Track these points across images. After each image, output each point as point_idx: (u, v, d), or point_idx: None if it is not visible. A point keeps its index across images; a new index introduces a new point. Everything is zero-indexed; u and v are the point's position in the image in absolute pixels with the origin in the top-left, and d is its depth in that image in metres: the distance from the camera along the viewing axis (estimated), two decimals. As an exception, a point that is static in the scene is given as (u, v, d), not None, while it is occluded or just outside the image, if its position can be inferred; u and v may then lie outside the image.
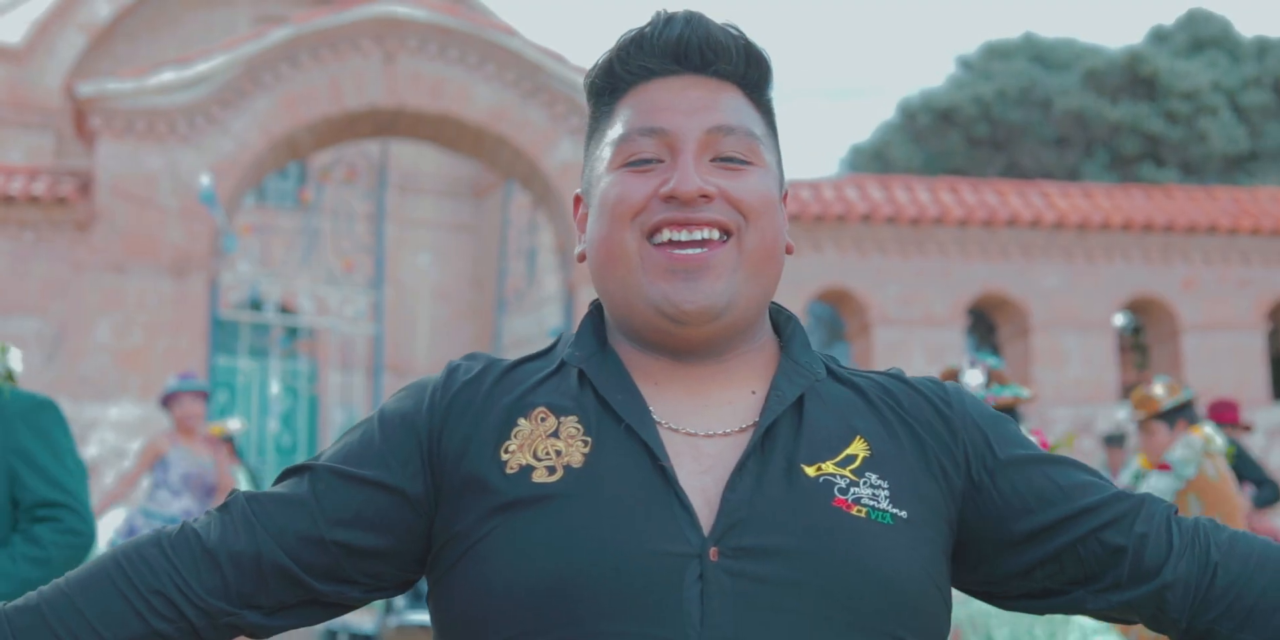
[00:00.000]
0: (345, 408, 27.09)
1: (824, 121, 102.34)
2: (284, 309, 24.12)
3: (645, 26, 2.11)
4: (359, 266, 24.15)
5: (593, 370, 2.07)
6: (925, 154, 34.19)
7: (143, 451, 12.27)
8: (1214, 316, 21.93)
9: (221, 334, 21.15)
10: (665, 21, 2.09)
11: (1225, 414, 12.76)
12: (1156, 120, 32.14)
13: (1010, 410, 6.68)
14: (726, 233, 2.04)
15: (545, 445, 1.99)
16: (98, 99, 19.51)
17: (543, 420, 2.02)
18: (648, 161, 2.05)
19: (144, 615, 1.96)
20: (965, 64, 36.18)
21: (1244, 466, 11.50)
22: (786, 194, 2.18)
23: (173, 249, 19.34)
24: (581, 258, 2.14)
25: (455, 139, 21.51)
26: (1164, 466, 8.60)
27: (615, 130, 2.10)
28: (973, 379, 6.69)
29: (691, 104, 2.07)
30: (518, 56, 20.42)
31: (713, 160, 2.05)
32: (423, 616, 14.25)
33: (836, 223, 21.06)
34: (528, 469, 1.98)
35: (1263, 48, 34.26)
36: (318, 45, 20.24)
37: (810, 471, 1.99)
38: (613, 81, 2.13)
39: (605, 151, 2.10)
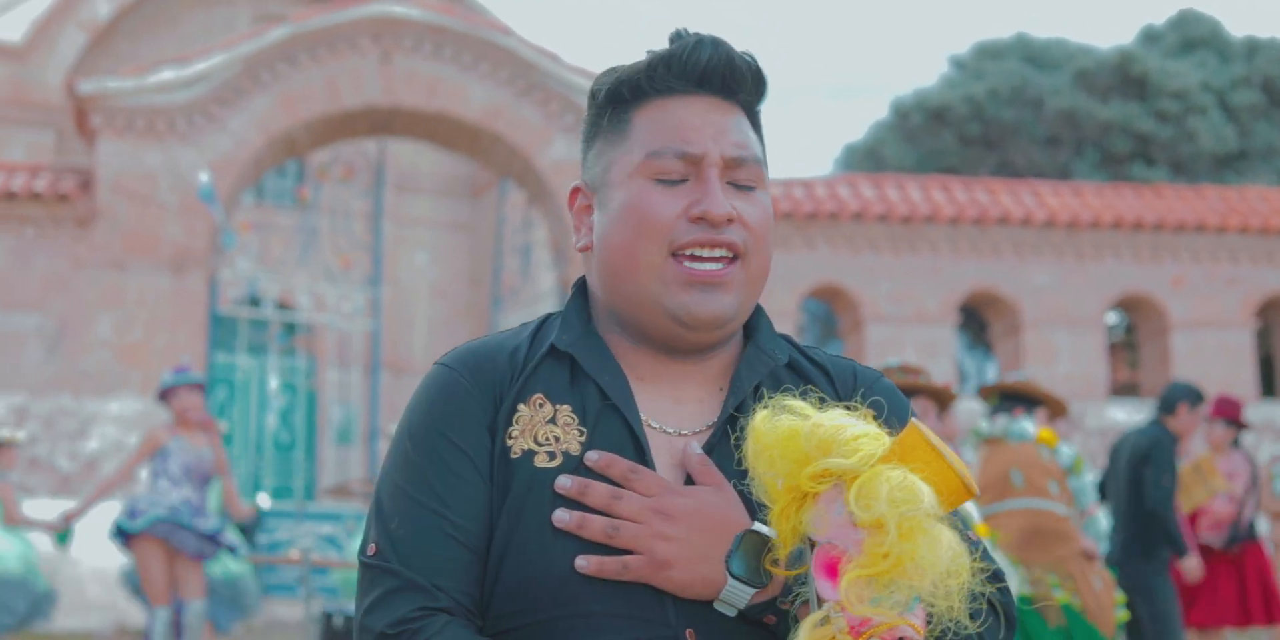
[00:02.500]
0: (343, 404, 27.19)
1: (818, 120, 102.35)
2: (282, 306, 24.23)
3: (675, 47, 2.26)
4: (357, 264, 24.26)
5: (581, 353, 2.25)
6: (918, 153, 34.30)
7: (142, 442, 12.40)
8: (1203, 314, 22.07)
9: (220, 330, 21.29)
10: (694, 45, 2.25)
11: (1227, 410, 12.80)
12: (1147, 119, 32.27)
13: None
14: (736, 254, 2.23)
15: (545, 431, 2.17)
16: (98, 97, 19.64)
17: (540, 406, 2.20)
18: (674, 181, 2.22)
19: None
20: (958, 63, 36.29)
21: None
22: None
23: (172, 246, 19.47)
24: (585, 249, 2.31)
25: (451, 137, 21.64)
26: None
27: (640, 142, 2.25)
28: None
29: (714, 129, 2.23)
30: (512, 55, 20.55)
31: (728, 184, 2.23)
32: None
33: (829, 221, 21.21)
34: (530, 453, 2.15)
35: (1252, 48, 34.40)
36: (315, 44, 20.37)
37: None
38: (635, 92, 2.27)
39: (630, 158, 2.25)
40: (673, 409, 2.25)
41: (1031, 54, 35.30)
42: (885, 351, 20.94)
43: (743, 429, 2.10)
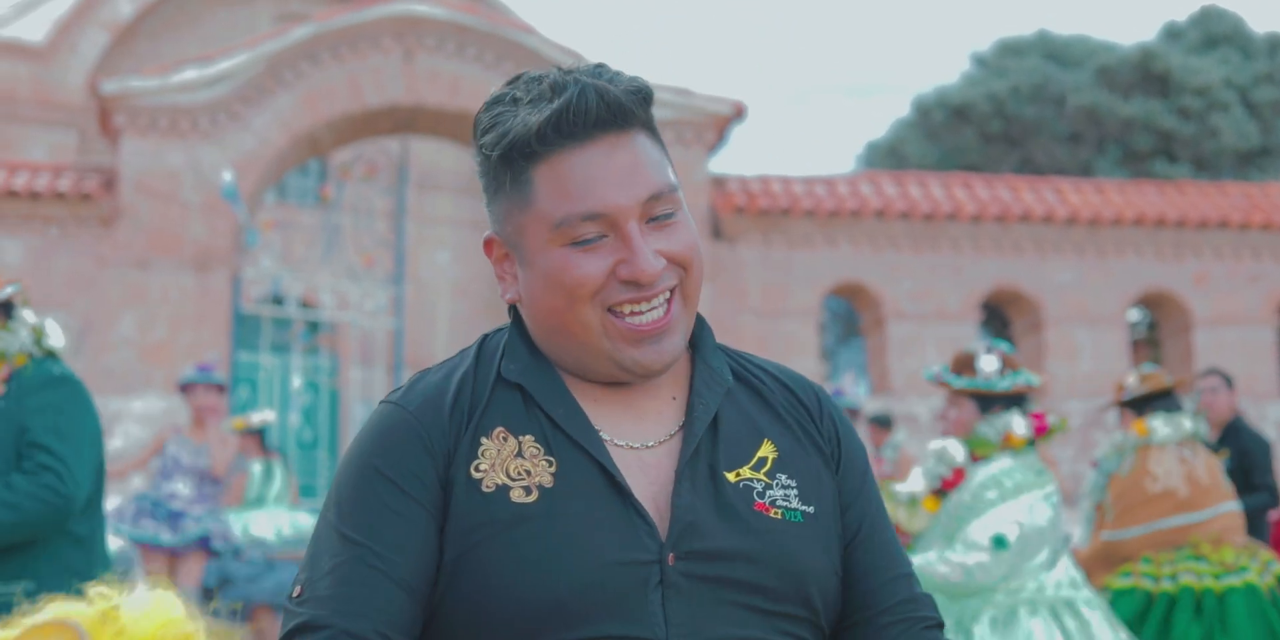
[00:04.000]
0: (366, 402, 27.21)
1: (840, 119, 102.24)
2: (305, 304, 24.27)
3: (558, 106, 2.14)
4: (379, 262, 24.25)
5: (531, 385, 2.23)
6: (940, 150, 34.28)
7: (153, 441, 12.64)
8: (1225, 311, 22.04)
9: (243, 329, 21.32)
10: (578, 96, 2.14)
11: None
12: (1169, 116, 32.23)
13: (1021, 397, 6.81)
14: (672, 290, 2.20)
15: (515, 466, 2.16)
16: (122, 97, 19.70)
17: (504, 440, 2.18)
18: (591, 241, 2.15)
19: None
20: (980, 61, 36.26)
21: (1251, 468, 11.29)
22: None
23: (195, 244, 19.53)
24: (513, 301, 2.27)
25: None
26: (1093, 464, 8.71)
27: (547, 208, 2.16)
28: (988, 365, 6.81)
29: (619, 175, 2.15)
30: (535, 54, 20.55)
31: (648, 221, 2.17)
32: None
33: (851, 218, 21.21)
34: (504, 488, 2.14)
35: (1274, 44, 34.34)
36: (338, 43, 20.42)
37: (731, 478, 2.21)
38: (529, 155, 2.17)
39: (540, 227, 2.17)
40: (634, 425, 2.25)
41: (1053, 51, 35.27)
42: (906, 349, 20.96)
43: (701, 446, 2.21)
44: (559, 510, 2.13)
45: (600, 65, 2.22)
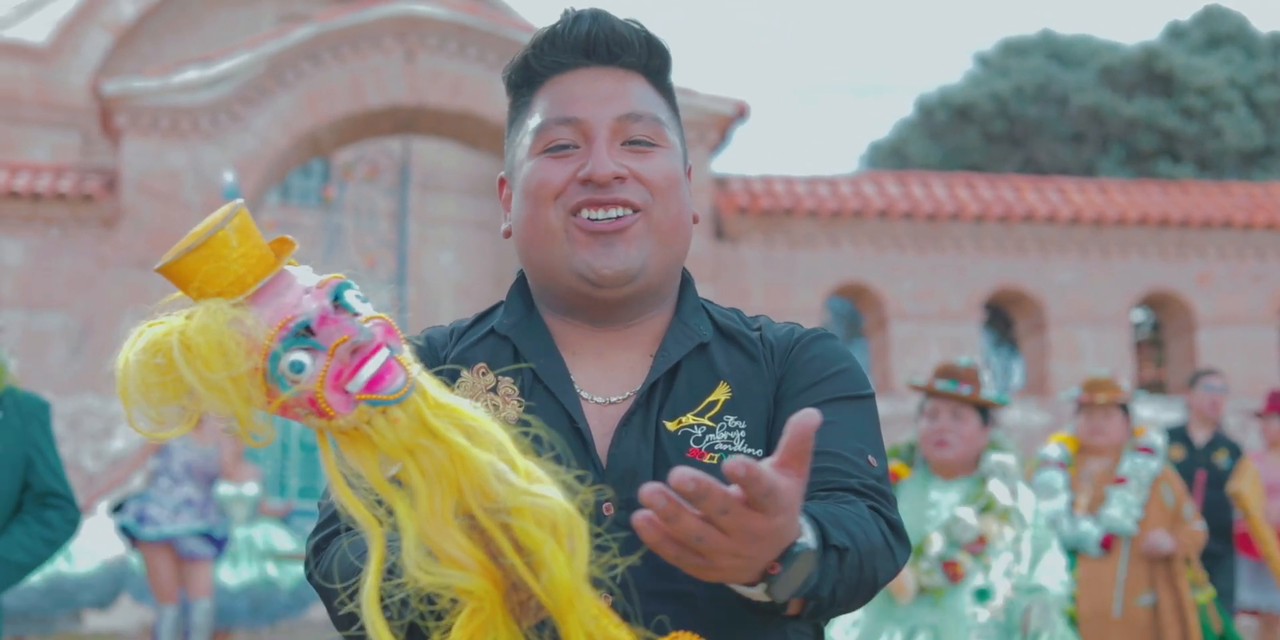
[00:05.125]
0: (368, 403, 27.19)
1: (843, 118, 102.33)
2: (307, 305, 24.29)
3: (556, 24, 2.31)
4: (381, 263, 24.30)
5: (519, 338, 2.33)
6: (943, 150, 34.29)
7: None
8: (1229, 311, 22.01)
9: (245, 330, 21.33)
10: (574, 19, 2.31)
11: None
12: (1172, 116, 32.21)
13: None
14: (636, 210, 2.27)
15: (486, 399, 2.23)
16: (123, 97, 19.69)
17: (483, 374, 2.27)
18: (565, 147, 2.28)
19: None
20: (983, 61, 36.26)
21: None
22: (690, 168, 2.40)
23: (197, 245, 19.51)
24: (507, 234, 2.38)
25: (476, 136, 21.67)
26: (1147, 449, 8.69)
27: (534, 119, 2.32)
28: (988, 377, 6.84)
29: (602, 94, 2.29)
30: (537, 54, 20.55)
31: (624, 144, 2.28)
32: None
33: (854, 218, 21.19)
34: None
35: (1278, 44, 34.31)
36: (339, 43, 20.42)
37: (671, 426, 2.23)
38: (529, 75, 2.35)
39: (526, 139, 2.33)
40: (602, 378, 2.31)
41: (1056, 51, 35.27)
42: (909, 349, 20.93)
43: (655, 397, 2.23)
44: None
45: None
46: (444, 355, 2.34)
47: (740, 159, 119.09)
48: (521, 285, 2.42)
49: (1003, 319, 27.21)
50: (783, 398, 2.30)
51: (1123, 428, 8.70)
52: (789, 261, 21.06)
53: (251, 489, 14.29)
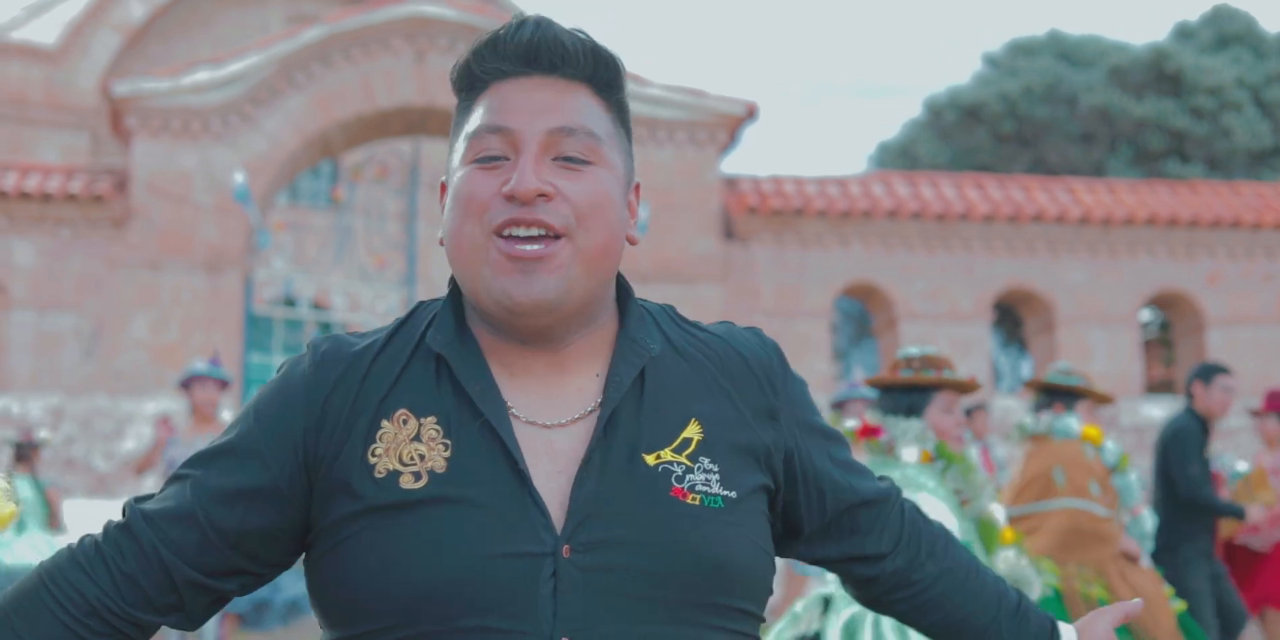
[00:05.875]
0: (377, 404, 27.20)
1: (852, 119, 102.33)
2: (317, 305, 24.28)
3: (500, 29, 2.25)
4: (391, 264, 24.27)
5: (453, 356, 2.20)
6: (952, 151, 34.29)
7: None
8: (1238, 311, 22.00)
9: (255, 330, 21.34)
10: (517, 26, 2.24)
11: (1279, 403, 12.56)
12: (1181, 116, 32.21)
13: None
14: (557, 233, 2.13)
15: (409, 450, 2.13)
16: (133, 98, 19.73)
17: (405, 422, 2.15)
18: (495, 159, 2.18)
19: (83, 636, 2.15)
20: (991, 61, 36.27)
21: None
22: (638, 185, 2.32)
23: (207, 246, 19.56)
24: (441, 242, 2.25)
25: (485, 137, 21.70)
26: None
27: (469, 125, 2.24)
28: None
29: (537, 105, 2.19)
30: (546, 55, 20.58)
31: (555, 159, 2.17)
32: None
33: (863, 219, 21.19)
34: (394, 474, 2.11)
35: (1287, 44, 34.32)
36: (349, 44, 20.45)
37: (650, 460, 2.14)
38: (470, 80, 2.27)
39: (460, 145, 2.25)
40: (546, 400, 2.20)
41: (1065, 51, 35.28)
42: (919, 349, 20.92)
43: (620, 424, 2.16)
44: (447, 496, 2.09)
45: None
46: (358, 378, 2.20)
47: (750, 159, 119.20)
48: (455, 297, 2.28)
49: (1012, 319, 27.21)
50: (796, 438, 2.31)
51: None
52: (799, 262, 21.07)
53: None
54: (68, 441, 18.67)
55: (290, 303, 23.23)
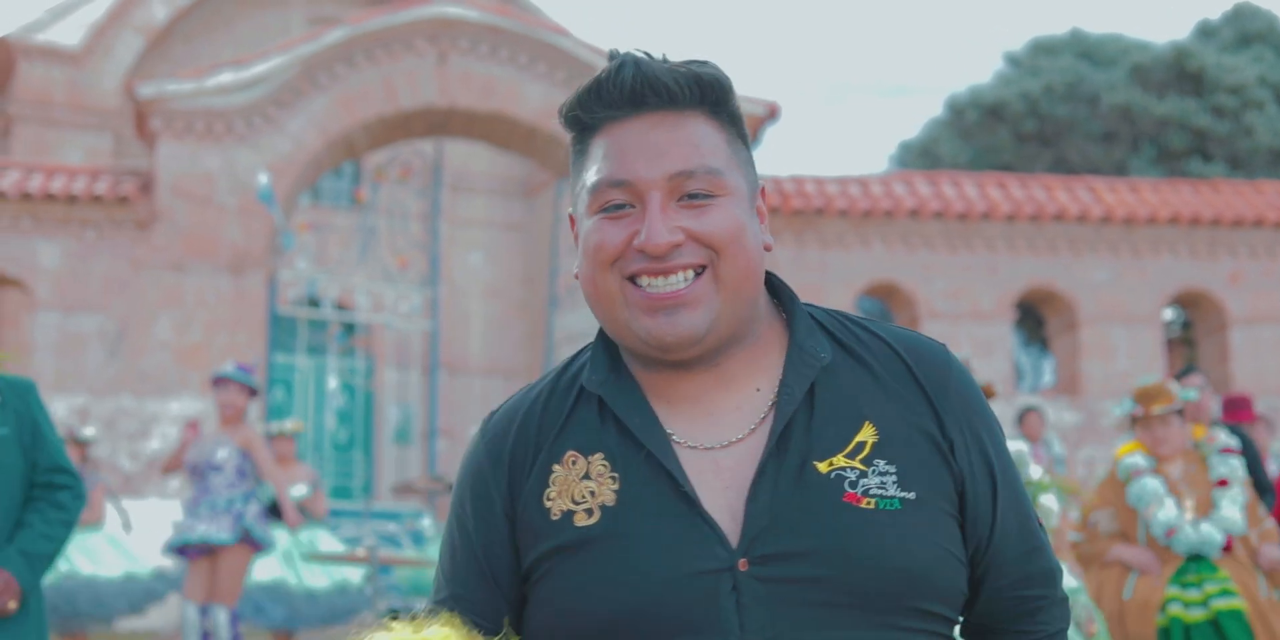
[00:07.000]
0: (400, 404, 27.28)
1: (873, 118, 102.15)
2: (340, 306, 24.35)
3: (601, 74, 2.22)
4: (413, 264, 24.35)
5: (610, 395, 2.25)
6: (973, 150, 34.25)
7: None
8: (1261, 310, 21.96)
9: (279, 330, 21.40)
10: (616, 69, 2.22)
11: (1241, 413, 12.38)
12: (1203, 115, 32.14)
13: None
14: (701, 267, 2.17)
15: (580, 489, 2.20)
16: (157, 100, 19.79)
17: (574, 463, 2.23)
18: (620, 208, 2.19)
19: None
20: (1013, 60, 36.22)
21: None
22: (764, 189, 2.37)
23: (231, 247, 19.61)
24: (578, 275, 2.28)
25: (507, 138, 21.73)
26: (1233, 450, 8.76)
27: (590, 174, 2.23)
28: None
29: (653, 150, 2.19)
30: (568, 56, 20.62)
31: (680, 200, 2.19)
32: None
33: (885, 218, 21.20)
34: (569, 514, 2.20)
35: (1309, 43, 34.24)
36: (372, 46, 20.49)
37: (823, 468, 2.15)
38: (581, 125, 2.26)
39: (584, 195, 2.24)
40: (708, 423, 2.23)
41: (1087, 50, 35.22)
42: (942, 349, 20.90)
43: (793, 436, 2.17)
44: (620, 529, 2.16)
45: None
46: (533, 427, 2.29)
47: (771, 159, 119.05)
48: (604, 337, 2.32)
49: (1034, 318, 27.19)
50: (963, 455, 2.26)
51: (1181, 431, 8.72)
52: (820, 261, 21.08)
53: (299, 490, 14.39)
54: (94, 442, 18.74)
55: (314, 303, 23.31)
